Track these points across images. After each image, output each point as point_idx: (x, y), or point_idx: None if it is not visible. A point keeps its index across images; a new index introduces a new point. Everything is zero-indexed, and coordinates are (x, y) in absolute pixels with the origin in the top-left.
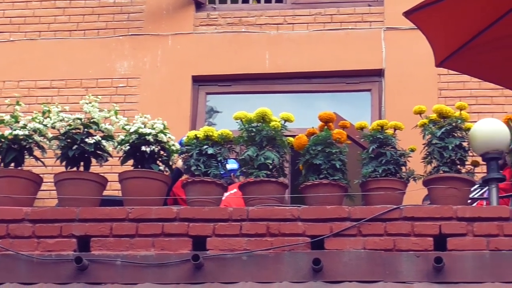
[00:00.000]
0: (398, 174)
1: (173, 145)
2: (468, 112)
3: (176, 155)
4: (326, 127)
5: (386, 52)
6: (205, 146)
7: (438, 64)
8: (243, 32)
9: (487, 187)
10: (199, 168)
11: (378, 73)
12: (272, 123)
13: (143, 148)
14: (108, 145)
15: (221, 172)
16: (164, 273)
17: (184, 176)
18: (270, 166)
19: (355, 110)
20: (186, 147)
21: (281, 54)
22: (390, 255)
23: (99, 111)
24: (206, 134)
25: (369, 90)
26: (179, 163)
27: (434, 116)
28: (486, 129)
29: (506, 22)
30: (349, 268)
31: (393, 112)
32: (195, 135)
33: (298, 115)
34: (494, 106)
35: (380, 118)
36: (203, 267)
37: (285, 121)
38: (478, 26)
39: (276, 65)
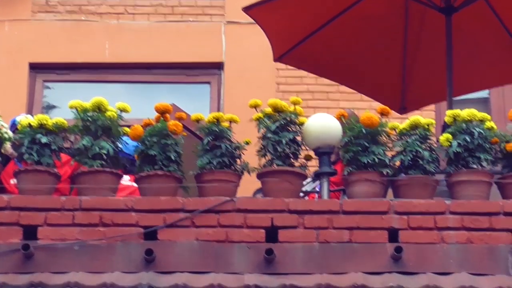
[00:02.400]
0: (232, 167)
1: (6, 132)
2: (305, 107)
3: (8, 142)
4: (162, 118)
5: (226, 45)
6: (39, 135)
7: (277, 59)
8: (83, 20)
9: (319, 181)
10: (32, 156)
11: (218, 66)
12: (108, 113)
13: None
14: None
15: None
16: None
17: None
18: (105, 156)
19: (194, 102)
20: (19, 135)
21: (121, 44)
22: (222, 246)
23: None
24: (40, 122)
25: (208, 82)
26: (8, 147)
27: (269, 110)
28: (319, 124)
29: (341, 20)
30: (181, 259)
31: (231, 105)
32: (29, 123)
33: (137, 105)
34: (330, 102)
35: (219, 111)
36: (33, 257)
37: (121, 111)
38: (316, 23)
39: (116, 55)
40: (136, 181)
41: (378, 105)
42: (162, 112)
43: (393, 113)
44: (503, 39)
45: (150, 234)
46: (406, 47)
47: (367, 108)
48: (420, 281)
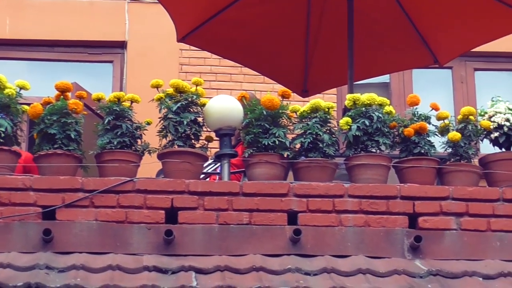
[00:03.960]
0: (133, 147)
1: None
2: (208, 88)
3: None
4: (62, 96)
5: (129, 24)
6: None
7: (180, 39)
8: None
9: (219, 163)
10: None
11: (121, 45)
12: (7, 90)
13: None
14: None
15: None
16: None
17: None
18: (3, 134)
19: (97, 81)
20: None
21: (22, 21)
22: (122, 227)
23: None
24: None
25: (111, 61)
26: None
27: (171, 90)
28: (220, 105)
29: (245, 2)
30: (79, 239)
31: (134, 84)
32: None
33: (39, 84)
34: (233, 83)
35: (121, 90)
36: None
37: (21, 88)
38: (220, 4)
39: (17, 31)
40: (35, 160)
41: (280, 88)
42: (63, 91)
43: (295, 96)
44: (404, 24)
45: (49, 214)
46: (309, 31)
47: (270, 91)
48: (318, 264)
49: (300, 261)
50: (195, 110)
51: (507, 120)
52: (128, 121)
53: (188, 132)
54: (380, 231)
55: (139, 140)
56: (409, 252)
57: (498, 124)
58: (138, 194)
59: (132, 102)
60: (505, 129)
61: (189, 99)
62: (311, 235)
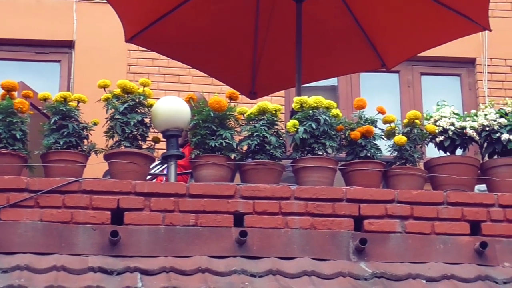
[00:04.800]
0: (79, 147)
1: None
2: (156, 89)
3: None
4: (8, 96)
5: (77, 24)
6: None
7: (128, 40)
8: None
9: (166, 164)
10: None
11: (69, 45)
12: None
13: None
14: None
15: None
16: None
17: None
18: None
19: (44, 81)
20: None
21: None
22: (67, 227)
23: None
24: None
25: (58, 61)
26: None
27: (118, 91)
28: (167, 106)
29: (194, 3)
30: (24, 240)
31: (82, 84)
32: None
33: None
34: (181, 85)
35: (69, 90)
36: None
37: None
38: (168, 5)
39: None
40: None
41: (228, 90)
42: (8, 90)
43: (243, 98)
44: (352, 28)
45: None
46: (257, 33)
47: (218, 92)
48: (263, 266)
49: (246, 263)
50: (142, 111)
51: (452, 124)
52: (75, 121)
53: (135, 133)
54: (325, 233)
55: (85, 141)
56: (354, 255)
57: (443, 128)
58: (83, 194)
59: (78, 102)
60: (450, 133)
61: (136, 100)
62: (257, 237)
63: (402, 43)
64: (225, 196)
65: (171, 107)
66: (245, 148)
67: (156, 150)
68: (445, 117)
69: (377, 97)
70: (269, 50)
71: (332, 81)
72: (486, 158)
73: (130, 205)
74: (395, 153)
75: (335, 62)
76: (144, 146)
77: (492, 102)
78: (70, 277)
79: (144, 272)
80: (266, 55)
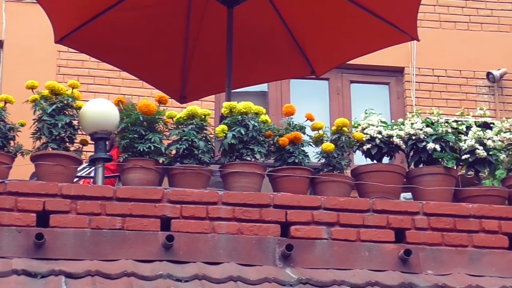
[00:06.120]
0: (6, 148)
1: None
2: (85, 91)
3: None
4: None
5: (6, 23)
6: None
7: (58, 41)
8: None
9: (94, 166)
10: None
11: None
12: None
13: None
14: None
15: None
16: None
17: None
18: None
19: None
20: None
21: None
22: None
23: None
24: None
25: None
26: None
27: (46, 92)
28: (96, 109)
29: (125, 6)
30: None
31: (10, 84)
32: None
33: None
34: (111, 87)
35: None
36: None
37: None
38: (99, 7)
39: None
40: None
41: (158, 93)
42: None
43: (173, 102)
44: (283, 35)
45: None
46: (188, 37)
47: (148, 96)
48: (189, 270)
49: (172, 267)
50: (71, 113)
51: (379, 132)
52: (1, 122)
53: (63, 135)
54: (252, 239)
55: (12, 142)
56: (280, 261)
57: (371, 136)
58: (9, 196)
59: (6, 102)
60: (377, 141)
61: (65, 102)
62: (184, 242)
63: (332, 51)
64: (153, 200)
65: (99, 109)
66: (173, 152)
67: (84, 152)
68: (373, 125)
69: (307, 103)
70: (200, 55)
71: (263, 87)
72: (412, 166)
73: (56, 208)
74: (323, 160)
75: (266, 68)
76: (72, 149)
77: (419, 111)
78: None
79: (69, 276)
80: (197, 60)
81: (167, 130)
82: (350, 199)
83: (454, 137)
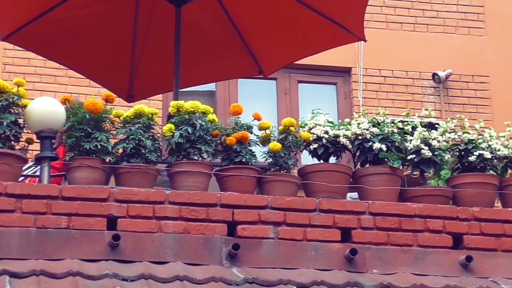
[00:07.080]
0: None
1: None
2: (31, 90)
3: None
4: None
5: None
6: None
7: (3, 38)
8: None
9: (39, 165)
10: None
11: None
12: None
13: None
14: None
15: None
16: None
17: None
18: None
19: None
20: None
21: None
22: None
23: None
24: None
25: None
26: None
27: None
28: (42, 107)
29: (72, 3)
30: None
31: None
32: None
33: None
34: (58, 86)
35: None
36: None
37: None
38: (45, 4)
39: None
40: None
41: (105, 92)
42: None
43: (120, 100)
44: (230, 34)
45: None
46: (136, 36)
47: (95, 94)
48: (136, 270)
49: (118, 267)
50: (16, 111)
51: (326, 132)
52: None
53: (8, 133)
54: (199, 238)
55: None
56: (227, 260)
57: (317, 136)
58: None
59: None
60: (324, 141)
61: (10, 100)
62: (130, 241)
63: (279, 51)
64: (99, 199)
65: (45, 108)
66: (120, 151)
67: (30, 151)
68: (320, 125)
69: (255, 103)
70: (147, 54)
71: (210, 86)
72: (359, 166)
73: (1, 207)
74: (270, 160)
75: (214, 67)
76: (17, 147)
77: (366, 112)
78: None
79: (13, 275)
80: (145, 59)
81: (114, 129)
82: (296, 199)
83: (400, 137)
